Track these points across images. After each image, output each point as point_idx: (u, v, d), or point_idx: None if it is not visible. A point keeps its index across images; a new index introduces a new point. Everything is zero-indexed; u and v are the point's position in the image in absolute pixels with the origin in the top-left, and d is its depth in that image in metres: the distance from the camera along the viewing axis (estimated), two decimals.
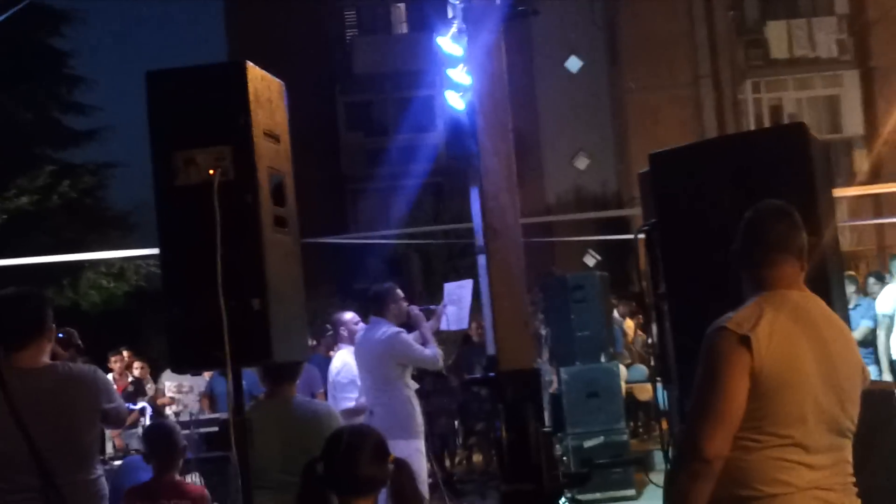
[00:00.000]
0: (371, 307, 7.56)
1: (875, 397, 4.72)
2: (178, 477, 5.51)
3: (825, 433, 3.06)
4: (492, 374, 4.80)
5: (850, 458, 3.16)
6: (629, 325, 15.64)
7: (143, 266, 22.17)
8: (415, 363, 7.46)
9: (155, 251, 3.88)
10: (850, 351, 3.24)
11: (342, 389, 8.35)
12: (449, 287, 8.23)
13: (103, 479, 4.36)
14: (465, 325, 8.87)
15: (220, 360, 3.50)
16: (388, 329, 7.29)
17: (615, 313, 14.01)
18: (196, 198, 3.59)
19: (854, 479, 3.15)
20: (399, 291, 7.58)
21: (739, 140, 6.11)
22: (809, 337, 3.09)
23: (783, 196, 3.83)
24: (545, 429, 4.63)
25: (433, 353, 7.39)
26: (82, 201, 22.53)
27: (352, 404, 7.86)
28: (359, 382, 7.81)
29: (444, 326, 8.11)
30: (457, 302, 8.03)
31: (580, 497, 10.37)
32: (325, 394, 9.69)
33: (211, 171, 3.59)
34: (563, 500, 10.21)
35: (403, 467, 3.57)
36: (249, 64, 3.74)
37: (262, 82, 3.80)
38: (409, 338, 7.38)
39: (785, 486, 2.99)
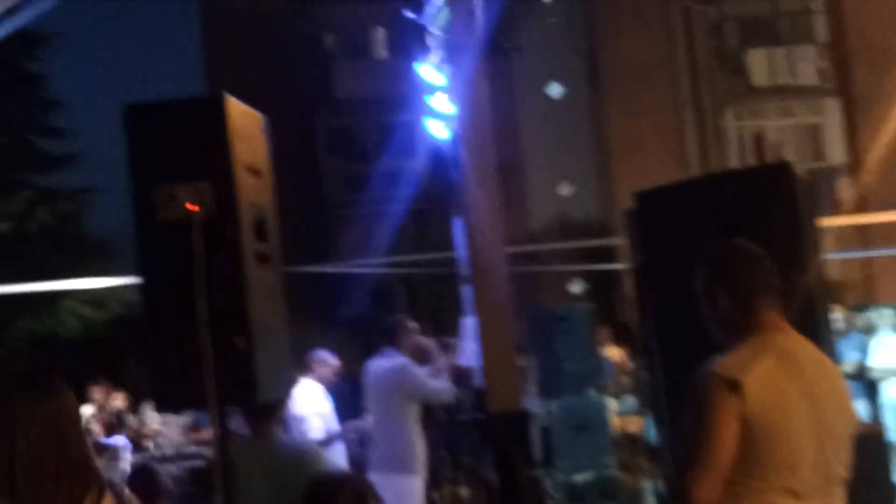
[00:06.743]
0: (384, 339, 7.57)
1: (866, 442, 4.68)
2: None
3: (816, 479, 3.03)
4: (480, 415, 4.73)
5: None
6: (612, 353, 15.42)
7: (123, 294, 21.99)
8: (423, 396, 7.42)
9: (134, 280, 3.81)
10: (840, 394, 3.22)
11: (299, 423, 8.11)
12: (465, 322, 8.16)
13: None
14: None
15: (204, 400, 3.42)
16: (397, 359, 7.34)
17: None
18: (177, 234, 3.53)
19: None
20: (411, 323, 7.62)
21: (724, 179, 6.10)
22: (798, 382, 3.06)
23: (770, 235, 3.79)
24: (533, 472, 4.55)
25: (443, 386, 7.40)
26: (61, 227, 22.36)
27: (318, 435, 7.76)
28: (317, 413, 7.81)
29: (463, 362, 8.00)
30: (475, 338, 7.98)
31: None
32: None
33: (190, 206, 3.53)
34: None
35: None
36: (229, 98, 3.68)
37: (242, 117, 3.75)
38: (418, 370, 7.40)
39: None
